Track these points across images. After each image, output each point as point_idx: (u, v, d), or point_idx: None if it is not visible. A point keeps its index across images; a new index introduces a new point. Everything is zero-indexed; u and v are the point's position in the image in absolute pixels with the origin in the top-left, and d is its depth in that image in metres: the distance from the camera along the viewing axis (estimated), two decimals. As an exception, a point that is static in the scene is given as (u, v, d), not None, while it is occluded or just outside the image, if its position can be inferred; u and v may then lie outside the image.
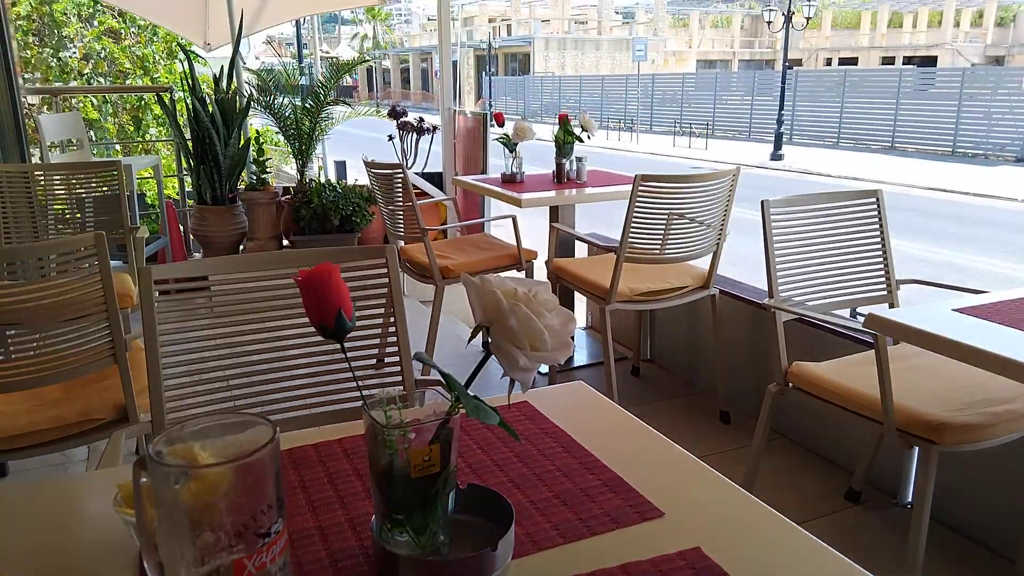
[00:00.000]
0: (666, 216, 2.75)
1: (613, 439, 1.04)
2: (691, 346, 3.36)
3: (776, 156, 18.45)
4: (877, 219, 2.28)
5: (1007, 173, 16.19)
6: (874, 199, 2.28)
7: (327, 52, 52.81)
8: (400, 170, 2.99)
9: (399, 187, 3.07)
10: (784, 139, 19.68)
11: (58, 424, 1.70)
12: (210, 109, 4.45)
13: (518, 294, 0.68)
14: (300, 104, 4.90)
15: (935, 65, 35.69)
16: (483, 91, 38.18)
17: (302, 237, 4.54)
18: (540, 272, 3.39)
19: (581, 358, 3.59)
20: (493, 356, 0.71)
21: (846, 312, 2.89)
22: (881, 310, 1.59)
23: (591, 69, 40.44)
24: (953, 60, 36.67)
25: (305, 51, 19.29)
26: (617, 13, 45.84)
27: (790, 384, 2.02)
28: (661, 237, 2.79)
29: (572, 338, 0.74)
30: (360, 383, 1.54)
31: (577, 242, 3.63)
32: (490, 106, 34.56)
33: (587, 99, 33.83)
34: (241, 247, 4.57)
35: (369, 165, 3.14)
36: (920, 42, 42.26)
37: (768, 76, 26.29)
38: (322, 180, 4.69)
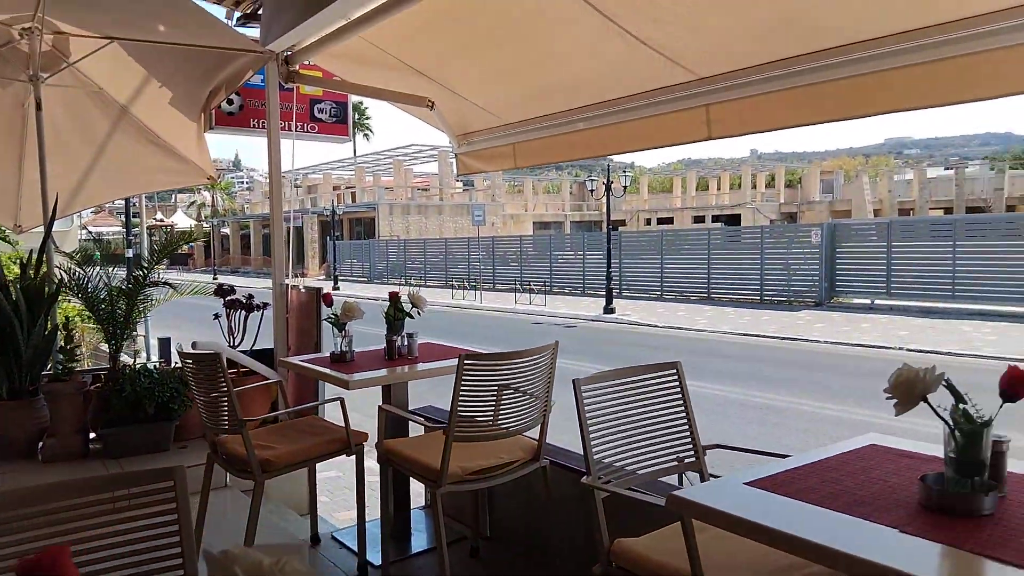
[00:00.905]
0: (495, 391, 2.80)
1: None
2: (529, 521, 3.34)
3: (608, 310, 19.63)
4: (679, 389, 2.44)
5: (809, 316, 18.12)
6: (674, 370, 2.45)
7: (162, 220, 51.44)
8: (216, 360, 2.88)
9: (220, 375, 2.93)
10: (615, 293, 21.08)
11: None
12: (13, 296, 4.14)
13: (263, 568, 0.65)
14: (117, 286, 4.67)
15: (739, 222, 40.32)
16: (328, 255, 38.35)
17: (112, 429, 4.18)
18: (372, 453, 3.29)
19: (420, 543, 3.45)
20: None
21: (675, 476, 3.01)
22: (684, 489, 1.68)
23: (435, 232, 41.99)
24: (754, 218, 41.62)
25: (139, 219, 18.73)
26: (457, 180, 48.52)
27: (613, 563, 2.04)
28: (491, 412, 2.83)
29: None
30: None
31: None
32: (335, 269, 34.66)
33: (431, 260, 34.85)
34: (40, 444, 4.12)
35: (183, 356, 3.01)
36: (725, 202, 47.82)
37: (597, 236, 28.45)
38: (140, 363, 4.42)
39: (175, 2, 3.53)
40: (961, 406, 1.48)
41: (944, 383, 1.46)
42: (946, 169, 51.77)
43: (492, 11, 3.11)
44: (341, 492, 5.92)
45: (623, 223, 48.07)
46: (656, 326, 17.65)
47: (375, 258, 38.58)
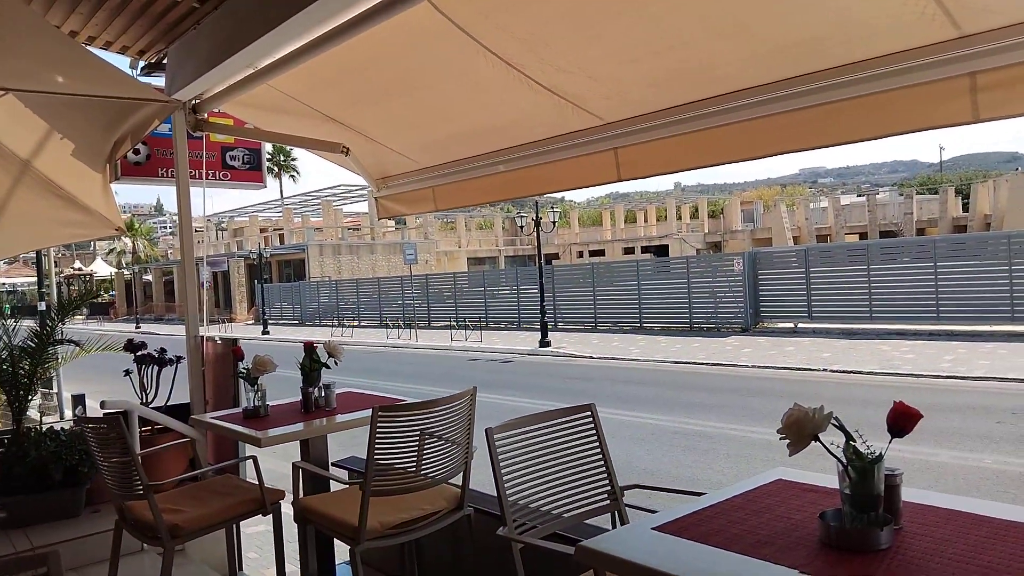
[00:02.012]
0: (415, 441, 2.75)
1: None
2: (459, 569, 3.27)
3: (544, 343, 19.72)
4: (594, 430, 2.45)
5: (736, 342, 18.58)
6: (588, 412, 2.46)
7: (80, 269, 49.40)
8: (118, 423, 2.74)
9: (124, 438, 2.79)
10: (549, 326, 21.21)
11: None
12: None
13: None
14: (20, 344, 4.44)
15: (667, 253, 41.26)
16: (256, 299, 37.44)
17: (15, 498, 3.94)
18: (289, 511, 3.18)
19: (344, 600, 3.33)
20: None
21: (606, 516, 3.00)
22: (593, 538, 1.66)
23: (368, 272, 41.54)
24: (681, 248, 42.68)
25: (49, 269, 17.89)
26: (384, 220, 48.25)
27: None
28: (414, 462, 2.77)
29: None
30: None
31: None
32: (264, 313, 33.84)
33: (364, 300, 34.43)
34: (-70, 522, 3.84)
35: (83, 421, 2.86)
36: (652, 234, 48.99)
37: (531, 270, 28.64)
38: (47, 423, 4.18)
39: (74, 52, 3.43)
40: (851, 443, 1.52)
41: (833, 422, 1.50)
42: (858, 196, 54.29)
43: (399, 60, 3.12)
44: (272, 547, 5.69)
45: (556, 256, 48.64)
46: (591, 357, 17.80)
47: (306, 300, 37.90)
